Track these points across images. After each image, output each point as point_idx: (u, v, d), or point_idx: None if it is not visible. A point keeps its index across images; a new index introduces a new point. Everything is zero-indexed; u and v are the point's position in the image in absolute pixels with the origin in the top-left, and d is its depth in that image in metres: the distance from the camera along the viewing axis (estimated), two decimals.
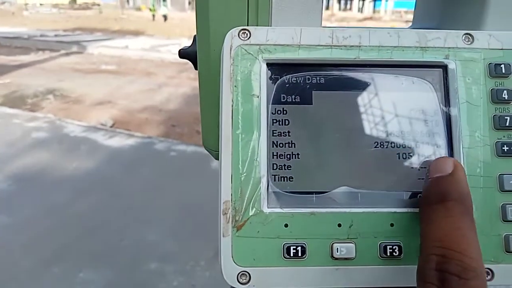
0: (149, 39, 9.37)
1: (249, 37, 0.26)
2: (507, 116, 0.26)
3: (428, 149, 0.26)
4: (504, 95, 0.26)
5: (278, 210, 0.25)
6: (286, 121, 0.26)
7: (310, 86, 0.27)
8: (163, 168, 2.58)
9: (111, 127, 3.41)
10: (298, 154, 0.26)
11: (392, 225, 0.25)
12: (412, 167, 0.26)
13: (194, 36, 0.32)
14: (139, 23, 14.11)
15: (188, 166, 2.63)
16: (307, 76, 0.27)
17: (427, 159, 0.26)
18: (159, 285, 1.58)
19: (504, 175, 0.26)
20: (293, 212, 0.25)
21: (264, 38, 0.26)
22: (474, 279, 0.20)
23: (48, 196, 2.19)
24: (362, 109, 0.27)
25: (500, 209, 0.26)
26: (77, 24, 13.51)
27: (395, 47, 0.27)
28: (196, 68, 0.32)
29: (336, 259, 0.25)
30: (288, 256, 0.25)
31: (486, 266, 0.25)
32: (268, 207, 0.25)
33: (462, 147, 0.26)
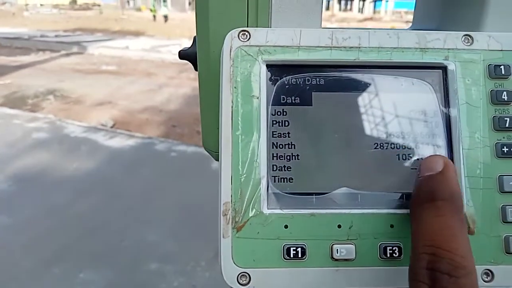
0: (150, 40, 9.37)
1: (249, 38, 0.26)
2: (506, 117, 0.26)
3: (428, 150, 0.26)
4: (504, 96, 0.26)
5: (278, 211, 0.25)
6: (286, 122, 0.26)
7: (310, 87, 0.27)
8: (164, 169, 2.58)
9: (111, 127, 3.41)
10: (298, 155, 0.26)
11: (392, 226, 0.25)
12: (412, 168, 0.26)
13: (194, 37, 0.32)
14: (139, 24, 14.11)
15: (188, 166, 2.63)
16: (307, 77, 0.27)
17: None
18: (160, 285, 1.58)
19: (504, 176, 0.26)
20: (293, 213, 0.25)
21: (263, 40, 0.26)
22: (464, 277, 0.20)
23: (48, 197, 2.19)
24: (362, 110, 0.27)
25: (500, 210, 0.26)
26: (78, 24, 13.52)
27: (394, 48, 0.27)
28: (196, 69, 0.32)
29: (336, 260, 0.25)
30: (288, 257, 0.25)
31: (486, 267, 0.25)
32: (268, 208, 0.25)
33: (462, 148, 0.26)
